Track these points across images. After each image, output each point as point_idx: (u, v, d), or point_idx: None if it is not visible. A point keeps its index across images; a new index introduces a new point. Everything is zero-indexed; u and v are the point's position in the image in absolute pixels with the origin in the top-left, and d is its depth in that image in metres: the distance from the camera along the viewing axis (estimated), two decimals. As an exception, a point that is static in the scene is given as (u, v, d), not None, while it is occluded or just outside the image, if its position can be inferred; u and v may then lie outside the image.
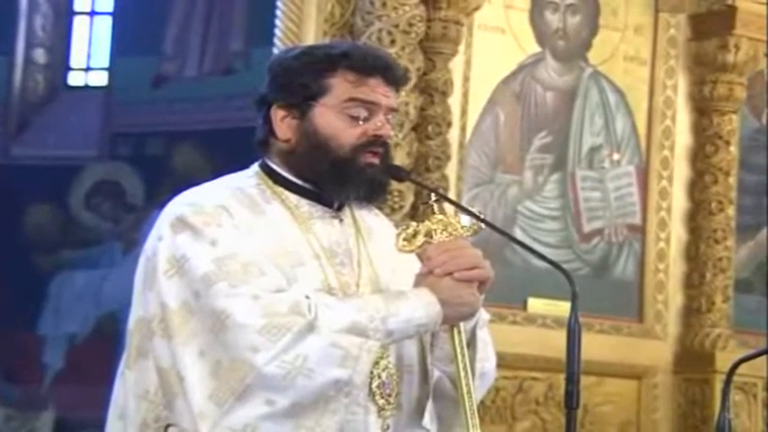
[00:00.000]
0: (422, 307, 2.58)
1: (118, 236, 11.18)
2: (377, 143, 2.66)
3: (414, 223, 2.69)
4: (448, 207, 2.78)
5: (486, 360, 2.77)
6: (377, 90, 2.67)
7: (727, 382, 3.19)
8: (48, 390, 10.96)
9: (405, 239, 2.65)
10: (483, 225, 2.68)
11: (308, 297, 2.54)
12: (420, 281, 2.63)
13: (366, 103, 2.66)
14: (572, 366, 2.60)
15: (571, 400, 2.60)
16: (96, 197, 11.33)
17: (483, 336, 2.76)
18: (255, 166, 2.76)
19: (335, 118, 2.65)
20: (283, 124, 2.69)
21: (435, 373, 2.75)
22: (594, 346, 6.35)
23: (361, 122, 2.65)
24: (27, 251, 11.13)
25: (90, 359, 10.81)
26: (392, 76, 2.69)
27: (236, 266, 2.55)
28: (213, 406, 2.51)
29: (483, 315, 2.78)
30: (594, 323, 6.86)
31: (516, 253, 6.68)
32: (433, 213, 2.68)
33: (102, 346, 10.86)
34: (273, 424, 2.50)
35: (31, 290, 10.98)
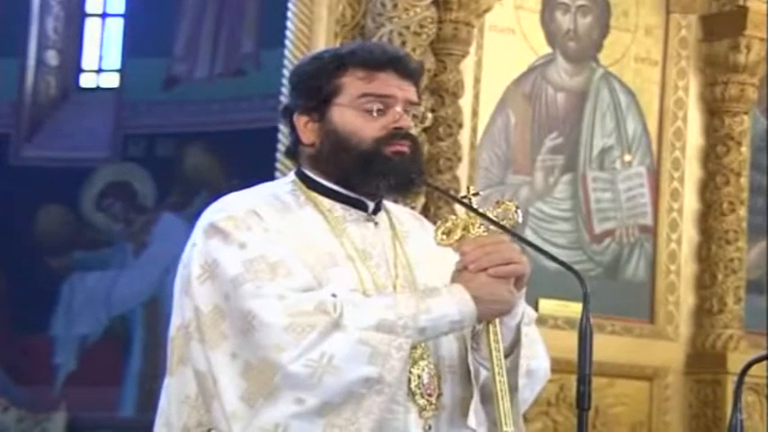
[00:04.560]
0: (454, 304, 2.57)
1: (129, 237, 11.19)
2: (399, 135, 2.67)
3: (453, 217, 2.68)
4: (482, 202, 2.76)
5: (534, 358, 2.75)
6: (389, 83, 2.68)
7: (739, 383, 3.19)
8: (59, 391, 10.98)
9: (443, 233, 2.64)
10: (519, 219, 2.67)
11: (334, 295, 2.55)
12: (455, 277, 2.62)
13: (379, 97, 2.68)
14: (583, 367, 2.60)
15: (583, 401, 2.60)
16: (108, 198, 11.35)
17: (529, 332, 2.75)
18: (292, 174, 2.79)
19: (353, 115, 2.67)
20: (307, 129, 2.71)
21: (483, 373, 2.71)
22: (606, 347, 6.35)
23: (376, 116, 2.67)
24: (39, 252, 11.15)
25: (101, 360, 10.83)
26: (404, 68, 2.71)
27: (264, 267, 2.56)
28: (245, 406, 2.52)
29: (529, 312, 2.78)
30: (606, 324, 6.85)
31: (527, 254, 6.67)
32: (470, 208, 2.67)
33: (114, 347, 10.89)
34: (304, 423, 2.50)
35: (43, 291, 11.00)
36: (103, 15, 12.14)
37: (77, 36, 12.01)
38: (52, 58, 11.86)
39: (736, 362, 6.91)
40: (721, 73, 7.31)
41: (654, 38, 7.29)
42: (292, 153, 2.78)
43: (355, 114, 2.67)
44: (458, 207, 2.73)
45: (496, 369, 2.61)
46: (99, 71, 12.06)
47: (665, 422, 7.16)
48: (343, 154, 2.67)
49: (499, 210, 2.66)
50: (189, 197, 10.22)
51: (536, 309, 6.77)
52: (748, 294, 7.37)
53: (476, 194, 2.71)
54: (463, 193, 2.74)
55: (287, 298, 2.53)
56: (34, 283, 10.96)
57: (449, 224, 2.65)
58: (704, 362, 7.18)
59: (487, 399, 2.70)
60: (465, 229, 2.65)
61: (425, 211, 6.22)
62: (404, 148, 2.67)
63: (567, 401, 6.72)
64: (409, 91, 2.71)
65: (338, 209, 2.71)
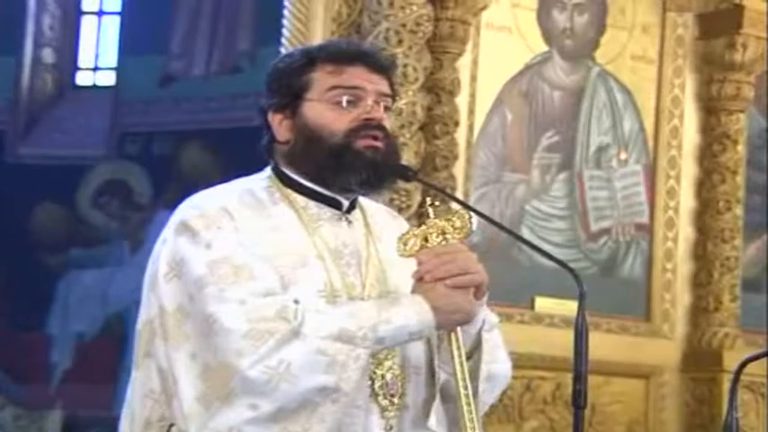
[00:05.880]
0: (414, 314, 2.58)
1: (125, 235, 11.19)
2: (370, 126, 2.67)
3: (413, 228, 2.69)
4: (449, 208, 2.76)
5: (494, 362, 2.76)
6: (358, 76, 2.69)
7: (735, 382, 3.19)
8: (56, 389, 10.98)
9: (403, 244, 2.66)
10: (473, 228, 2.66)
11: (296, 302, 2.56)
12: (414, 287, 2.63)
13: (349, 89, 2.68)
14: (579, 366, 2.60)
15: (579, 399, 2.60)
16: (104, 196, 11.35)
17: (490, 338, 2.76)
18: (268, 170, 2.79)
19: (323, 108, 2.68)
20: (281, 127, 2.73)
21: (442, 376, 2.74)
22: (602, 345, 6.35)
23: (346, 106, 2.67)
24: (35, 251, 11.14)
25: (98, 358, 10.83)
26: (373, 62, 2.71)
27: (228, 270, 2.57)
28: (201, 408, 2.54)
29: (491, 317, 2.78)
30: (602, 322, 6.85)
31: (523, 252, 6.68)
32: (428, 217, 2.68)
33: (110, 345, 10.88)
34: (258, 428, 2.51)
35: (39, 289, 11.00)
36: (100, 13, 12.13)
37: (74, 34, 12.00)
38: (48, 55, 11.85)
39: (731, 360, 6.92)
40: (718, 71, 7.31)
41: (650, 36, 7.29)
42: (268, 151, 2.77)
43: (326, 108, 2.68)
44: (445, 207, 2.72)
45: (459, 376, 2.62)
46: (95, 69, 12.06)
47: (661, 420, 7.17)
48: (315, 148, 2.67)
49: (454, 218, 2.66)
50: (185, 195, 10.18)
51: (532, 307, 6.83)
52: (744, 293, 7.37)
53: (432, 204, 2.70)
54: (428, 201, 2.73)
55: (248, 303, 2.54)
56: (30, 280, 10.96)
57: (408, 235, 2.66)
58: (700, 360, 7.19)
59: (446, 398, 2.72)
60: (424, 239, 2.65)
61: (421, 209, 6.22)
62: (377, 142, 2.67)
63: (563, 399, 6.73)
64: (380, 84, 2.71)
65: (312, 207, 2.71)
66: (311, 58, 2.70)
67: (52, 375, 11.09)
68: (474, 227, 2.66)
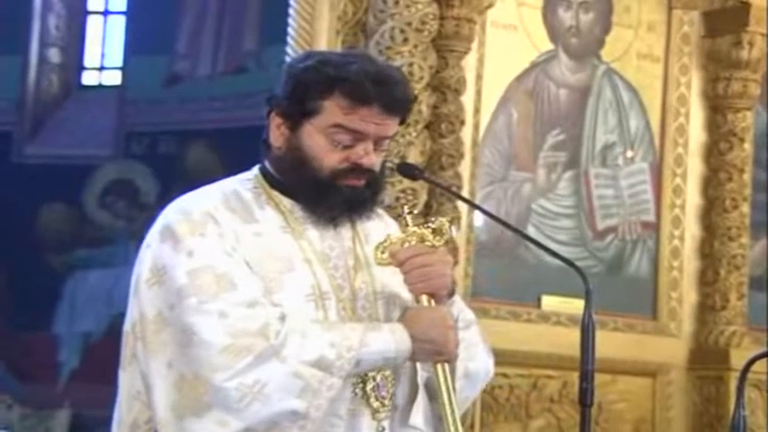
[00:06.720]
0: (393, 342, 2.60)
1: (131, 235, 11.20)
2: (358, 170, 2.66)
3: (391, 235, 2.71)
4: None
5: (471, 360, 2.78)
6: (367, 119, 2.65)
7: (742, 380, 3.19)
8: (63, 388, 11.00)
9: (380, 252, 2.68)
10: (452, 235, 2.69)
11: (283, 318, 2.56)
12: (401, 316, 2.67)
13: (351, 132, 2.65)
14: (586, 364, 2.60)
15: (585, 397, 2.60)
16: (110, 196, 11.37)
17: (467, 336, 2.77)
18: (256, 169, 2.79)
19: (321, 140, 2.66)
20: (278, 132, 2.71)
21: (424, 374, 2.76)
22: (609, 343, 6.35)
23: (342, 148, 2.66)
24: (41, 251, 11.16)
25: (105, 357, 10.80)
26: (391, 104, 2.66)
27: (209, 279, 2.56)
28: (174, 418, 2.54)
29: (466, 315, 2.80)
30: (609, 321, 6.85)
31: (530, 251, 6.67)
32: (407, 225, 2.68)
33: (117, 345, 10.89)
34: None
35: (46, 289, 11.02)
36: (105, 13, 12.16)
37: (80, 34, 12.03)
38: (54, 55, 11.87)
39: (738, 358, 6.91)
40: (724, 69, 7.30)
41: (656, 34, 7.28)
42: (267, 144, 2.75)
43: (323, 140, 2.66)
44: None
45: (441, 378, 2.64)
46: (101, 69, 12.08)
47: (667, 419, 7.16)
48: (299, 173, 2.67)
49: (434, 226, 2.69)
50: (191, 194, 10.18)
51: (539, 305, 6.83)
52: (751, 291, 7.36)
53: (410, 212, 2.73)
54: (407, 209, 2.75)
55: (229, 316, 2.53)
56: (37, 280, 10.97)
57: (386, 243, 2.68)
58: (707, 358, 7.18)
59: (431, 396, 2.74)
60: (403, 245, 2.67)
61: (427, 208, 6.22)
62: (359, 182, 2.67)
63: (569, 398, 6.72)
64: (386, 126, 2.67)
65: (298, 210, 2.71)
66: (331, 86, 2.64)
67: (59, 375, 11.11)
68: (453, 234, 2.68)
